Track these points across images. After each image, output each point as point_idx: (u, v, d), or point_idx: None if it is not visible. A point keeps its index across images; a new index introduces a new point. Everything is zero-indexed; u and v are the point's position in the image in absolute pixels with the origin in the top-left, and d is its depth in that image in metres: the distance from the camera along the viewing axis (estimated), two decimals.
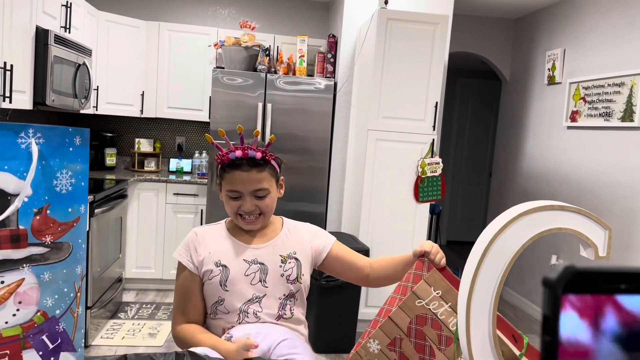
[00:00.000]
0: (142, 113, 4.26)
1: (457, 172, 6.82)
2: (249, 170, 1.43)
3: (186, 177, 4.20)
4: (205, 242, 1.52)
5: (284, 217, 1.65)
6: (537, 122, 4.35)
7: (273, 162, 1.50)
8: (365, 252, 3.24)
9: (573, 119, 3.83)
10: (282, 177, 1.56)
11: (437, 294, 1.31)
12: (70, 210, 0.85)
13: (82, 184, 0.87)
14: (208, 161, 4.09)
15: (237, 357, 1.24)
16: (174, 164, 4.55)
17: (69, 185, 0.85)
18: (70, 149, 0.85)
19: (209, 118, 4.22)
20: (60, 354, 0.86)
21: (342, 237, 3.38)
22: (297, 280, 1.50)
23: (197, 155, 4.49)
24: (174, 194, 4.06)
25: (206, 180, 4.05)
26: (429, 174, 3.49)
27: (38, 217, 0.82)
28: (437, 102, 3.44)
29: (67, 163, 0.84)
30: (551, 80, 4.14)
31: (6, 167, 0.79)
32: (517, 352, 1.17)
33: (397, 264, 1.54)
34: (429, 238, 3.75)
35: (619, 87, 3.39)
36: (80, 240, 0.87)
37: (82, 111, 3.68)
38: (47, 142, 0.82)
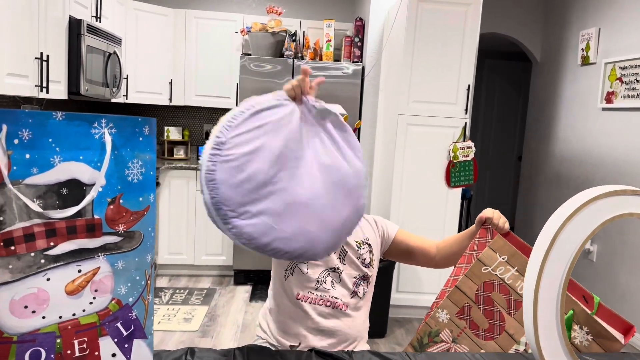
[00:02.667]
0: (170, 101, 4.29)
1: (485, 156, 6.73)
2: None
3: None
4: None
5: None
6: (569, 104, 4.26)
7: None
8: None
9: (609, 100, 3.74)
10: None
11: (502, 259, 1.31)
12: (141, 199, 0.86)
13: (151, 173, 0.87)
14: None
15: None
16: (202, 151, 4.58)
17: (139, 175, 0.85)
18: (140, 138, 0.85)
19: (237, 105, 4.23)
20: (133, 340, 0.87)
21: None
22: (371, 265, 1.52)
23: None
24: None
25: None
26: (461, 159, 3.45)
27: (112, 207, 0.82)
28: (469, 85, 3.38)
29: (137, 153, 0.85)
30: (585, 61, 4.03)
31: (81, 158, 0.80)
32: (588, 312, 1.17)
33: (463, 239, 1.54)
34: (460, 224, 3.72)
35: None
36: (150, 229, 0.88)
37: (113, 100, 3.72)
38: (119, 132, 0.83)
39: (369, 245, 1.54)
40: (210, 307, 3.60)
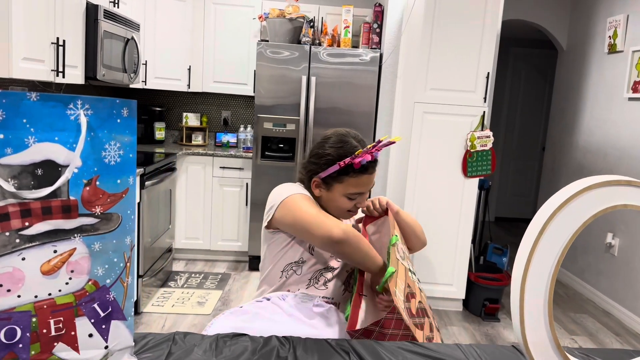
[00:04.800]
0: (189, 87, 4.31)
1: (508, 146, 6.60)
2: (373, 172, 1.46)
3: (232, 151, 4.25)
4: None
5: None
6: (595, 94, 4.12)
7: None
8: None
9: (635, 90, 3.60)
10: None
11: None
12: (119, 181, 0.86)
13: (130, 155, 0.87)
14: (253, 135, 4.11)
15: None
16: (220, 138, 4.60)
17: (117, 157, 0.85)
18: (118, 120, 0.85)
19: (254, 92, 4.23)
20: (111, 322, 0.88)
21: None
22: None
23: (242, 129, 4.52)
24: (220, 167, 4.12)
25: (251, 154, 4.08)
26: (478, 148, 3.38)
27: (88, 188, 0.83)
28: (488, 73, 3.30)
29: (115, 135, 0.85)
30: (612, 49, 3.89)
31: (56, 139, 0.80)
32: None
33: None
34: (477, 214, 3.66)
35: None
36: (129, 212, 0.87)
37: (131, 86, 3.76)
38: (96, 113, 0.82)
39: None
40: (224, 292, 3.64)
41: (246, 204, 4.15)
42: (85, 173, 0.82)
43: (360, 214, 1.62)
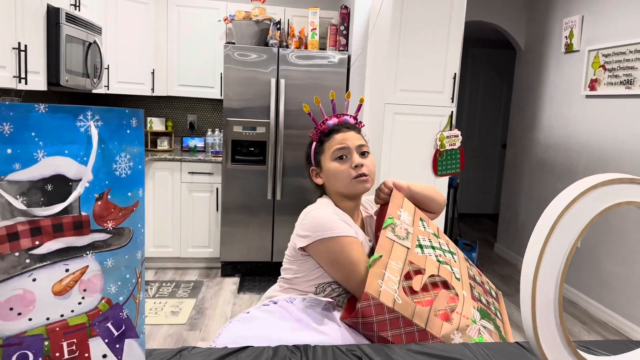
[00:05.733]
0: (153, 91, 4.21)
1: (469, 144, 6.76)
2: (347, 131, 1.47)
3: (200, 156, 4.18)
4: (344, 219, 1.43)
5: None
6: (554, 92, 4.28)
7: (362, 128, 1.55)
8: None
9: (592, 88, 3.76)
10: None
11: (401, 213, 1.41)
12: (130, 194, 0.82)
13: (140, 167, 0.84)
14: (222, 139, 4.05)
15: None
16: (186, 142, 4.52)
17: (127, 169, 0.82)
18: (128, 131, 0.82)
19: (221, 95, 4.17)
20: (124, 340, 0.84)
21: None
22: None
23: (209, 133, 4.45)
24: (188, 172, 4.04)
25: (220, 159, 4.02)
26: (447, 147, 3.45)
27: (99, 203, 0.79)
28: (455, 74, 3.38)
29: (125, 146, 0.82)
30: (569, 49, 4.05)
31: (66, 152, 0.76)
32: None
33: None
34: (447, 212, 3.73)
35: None
36: (139, 225, 0.84)
37: (94, 91, 3.64)
38: (106, 124, 0.79)
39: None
40: (197, 300, 3.57)
41: (217, 209, 4.09)
42: (96, 187, 0.79)
43: (376, 206, 1.62)
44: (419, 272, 1.28)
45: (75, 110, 0.76)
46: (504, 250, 5.04)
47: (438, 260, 1.35)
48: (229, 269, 4.07)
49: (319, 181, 1.51)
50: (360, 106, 1.56)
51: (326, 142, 1.47)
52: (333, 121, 1.49)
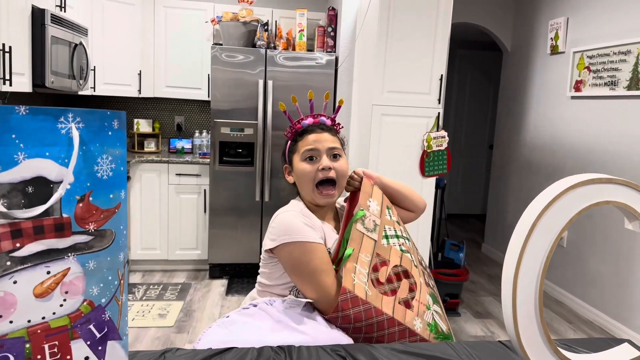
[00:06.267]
0: (140, 93, 4.19)
1: (457, 145, 6.81)
2: (322, 132, 1.47)
3: (187, 157, 4.16)
4: (311, 222, 1.43)
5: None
6: (540, 93, 4.33)
7: (340, 132, 1.54)
8: None
9: (577, 89, 3.81)
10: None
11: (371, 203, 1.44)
12: (111, 196, 0.82)
13: (122, 169, 0.84)
14: (210, 140, 4.04)
15: None
16: (174, 144, 4.50)
17: (109, 171, 0.82)
18: (109, 133, 0.82)
19: (209, 97, 4.16)
20: (107, 342, 0.84)
21: None
22: None
23: (197, 134, 4.44)
24: (176, 174, 4.03)
25: (208, 160, 4.01)
26: (434, 148, 3.47)
27: (81, 205, 0.79)
28: (442, 75, 3.40)
29: (107, 148, 0.81)
30: (554, 50, 4.10)
31: (47, 154, 0.76)
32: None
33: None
34: (434, 212, 3.75)
35: (624, 55, 3.36)
36: (122, 227, 0.84)
37: (80, 92, 3.61)
38: (87, 126, 0.79)
39: None
40: (185, 302, 3.56)
41: (205, 211, 4.07)
42: (78, 189, 0.79)
43: (346, 194, 1.63)
44: (384, 263, 1.34)
45: (56, 112, 0.76)
46: (491, 250, 5.08)
47: (401, 250, 1.41)
48: (217, 271, 4.06)
49: (290, 179, 1.53)
50: (339, 107, 1.57)
51: (299, 142, 1.48)
52: (309, 121, 1.50)
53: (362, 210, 1.39)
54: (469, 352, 1.06)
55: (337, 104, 1.56)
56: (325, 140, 1.45)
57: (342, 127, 1.57)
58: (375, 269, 1.31)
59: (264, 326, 1.24)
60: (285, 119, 3.85)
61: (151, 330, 3.11)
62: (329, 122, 1.51)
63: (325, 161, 1.43)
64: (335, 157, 1.46)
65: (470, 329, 3.33)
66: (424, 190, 3.49)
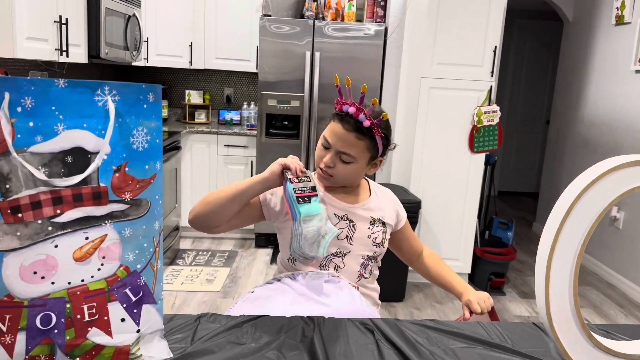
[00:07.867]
0: (191, 64, 4.27)
1: (512, 119, 6.57)
2: (350, 131, 1.36)
3: (236, 129, 4.23)
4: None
5: (368, 179, 1.60)
6: (601, 66, 4.09)
7: (378, 138, 1.39)
8: (417, 204, 3.21)
9: None
10: (382, 158, 1.49)
11: None
12: (147, 167, 0.85)
13: (157, 140, 0.86)
14: (257, 112, 4.08)
15: (275, 166, 1.31)
16: (223, 115, 4.58)
17: (145, 143, 0.85)
18: (145, 105, 0.84)
19: (257, 68, 4.19)
20: (142, 306, 0.89)
21: (392, 188, 3.34)
22: (382, 245, 1.47)
23: (245, 106, 4.49)
24: (224, 145, 4.11)
25: (255, 132, 4.06)
26: (485, 123, 3.37)
27: (117, 175, 0.82)
28: (495, 47, 3.27)
29: (142, 120, 0.84)
30: (619, 20, 3.84)
31: (85, 125, 0.79)
32: None
33: (440, 283, 1.61)
34: (482, 190, 3.67)
35: None
36: (157, 197, 0.87)
37: (133, 63, 3.72)
38: (123, 99, 0.82)
39: (383, 223, 1.48)
40: (232, 269, 3.67)
41: None
42: (114, 159, 0.82)
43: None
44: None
45: (94, 85, 0.79)
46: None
47: None
48: (262, 240, 4.15)
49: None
50: (362, 96, 1.38)
51: (332, 121, 1.41)
52: (350, 110, 1.36)
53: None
54: (500, 332, 1.05)
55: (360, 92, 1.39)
56: (344, 140, 1.36)
57: (382, 135, 1.41)
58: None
59: (287, 299, 1.26)
60: (332, 92, 3.84)
61: (199, 295, 3.24)
62: (367, 123, 1.35)
63: (328, 159, 1.39)
64: (343, 160, 1.39)
65: (515, 308, 3.28)
66: (471, 167, 3.40)
